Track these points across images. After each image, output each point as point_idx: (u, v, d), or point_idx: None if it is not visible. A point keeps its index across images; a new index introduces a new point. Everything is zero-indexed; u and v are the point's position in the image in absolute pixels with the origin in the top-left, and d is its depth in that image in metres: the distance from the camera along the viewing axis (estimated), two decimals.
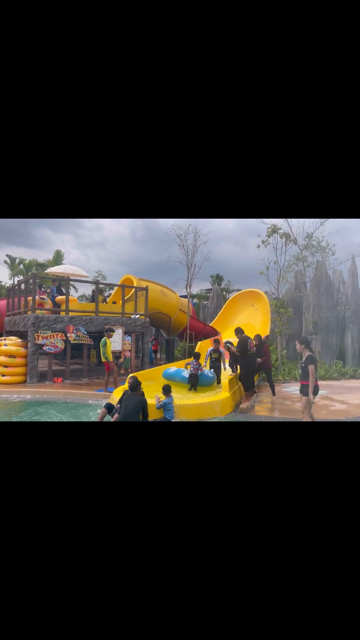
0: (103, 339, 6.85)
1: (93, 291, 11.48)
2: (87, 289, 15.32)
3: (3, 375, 7.79)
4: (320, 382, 8.74)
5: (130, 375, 5.84)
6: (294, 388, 8.35)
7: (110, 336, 6.95)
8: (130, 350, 9.70)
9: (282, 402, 6.71)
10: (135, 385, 4.76)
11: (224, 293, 20.44)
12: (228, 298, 16.40)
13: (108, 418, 4.98)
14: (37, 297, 9.25)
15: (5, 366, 7.85)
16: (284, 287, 11.36)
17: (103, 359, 6.90)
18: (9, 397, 6.91)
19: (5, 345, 8.06)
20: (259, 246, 10.42)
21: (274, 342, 11.40)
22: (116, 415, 4.74)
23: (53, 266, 15.45)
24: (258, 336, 7.14)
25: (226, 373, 7.63)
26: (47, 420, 5.35)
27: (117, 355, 9.48)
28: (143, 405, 4.48)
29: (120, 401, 4.84)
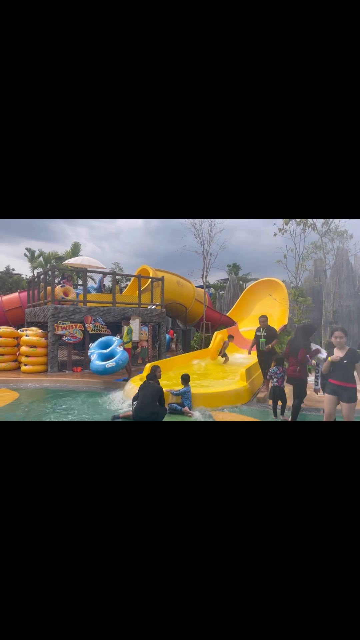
0: (128, 327, 7.01)
1: (103, 285, 11.71)
2: (105, 281, 15.49)
3: (25, 365, 8.05)
4: None
5: (153, 364, 5.90)
6: (311, 378, 8.20)
7: (127, 324, 7.12)
8: (147, 341, 9.79)
9: None
10: (154, 375, 4.81)
11: (241, 282, 20.16)
12: (245, 288, 16.18)
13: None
14: (61, 285, 9.48)
15: (27, 356, 8.10)
16: (302, 275, 11.08)
17: (127, 346, 7.02)
18: (32, 386, 7.16)
19: (26, 335, 8.31)
20: (275, 234, 10.18)
21: (292, 332, 11.20)
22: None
23: (71, 258, 15.69)
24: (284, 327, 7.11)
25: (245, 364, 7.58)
26: (67, 407, 5.51)
27: (134, 345, 9.60)
28: (160, 394, 4.54)
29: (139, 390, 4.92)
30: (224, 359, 9.16)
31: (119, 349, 6.85)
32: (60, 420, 4.83)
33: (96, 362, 6.71)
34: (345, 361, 3.53)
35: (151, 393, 4.51)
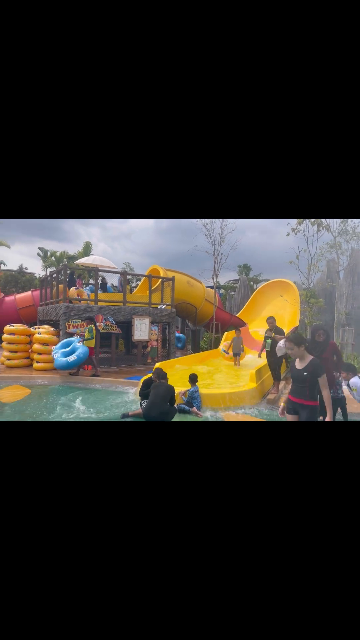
0: (89, 327, 7.45)
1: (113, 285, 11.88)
2: (115, 280, 15.65)
3: (37, 362, 8.18)
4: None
5: (156, 365, 5.93)
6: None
7: (89, 324, 7.53)
8: (157, 340, 9.82)
9: None
10: (164, 374, 4.83)
11: (252, 283, 20.02)
12: (256, 288, 16.05)
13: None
14: (75, 288, 9.66)
15: (39, 353, 8.23)
16: (315, 276, 10.90)
17: (89, 344, 7.44)
18: (42, 382, 7.27)
19: (39, 333, 8.44)
20: (288, 234, 10.07)
21: (303, 334, 11.05)
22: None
23: (82, 258, 15.88)
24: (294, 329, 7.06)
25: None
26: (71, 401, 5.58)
27: (143, 344, 9.64)
28: (171, 393, 4.55)
29: (144, 389, 4.95)
30: (235, 358, 8.61)
31: (79, 344, 7.30)
32: (71, 416, 4.89)
33: (59, 359, 7.12)
34: (305, 373, 2.95)
35: (162, 393, 4.52)
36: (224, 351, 9.04)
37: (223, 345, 9.28)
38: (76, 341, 7.51)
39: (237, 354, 8.67)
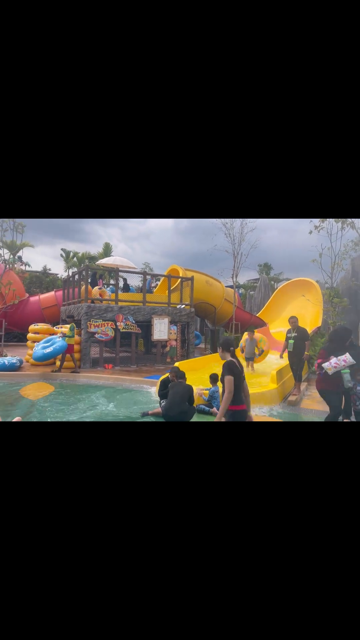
0: (71, 325, 7.86)
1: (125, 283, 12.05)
2: (135, 280, 15.86)
3: (59, 360, 8.42)
4: None
5: (173, 366, 5.95)
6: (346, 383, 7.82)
7: (70, 322, 7.97)
8: (176, 340, 9.85)
9: None
10: (182, 374, 4.85)
11: (272, 282, 19.68)
12: (276, 288, 15.77)
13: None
14: (98, 288, 9.91)
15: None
16: (338, 275, 10.57)
17: (70, 341, 7.79)
18: (66, 381, 7.47)
19: (61, 332, 8.68)
20: (311, 232, 9.81)
21: (326, 334, 10.75)
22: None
23: (103, 258, 16.18)
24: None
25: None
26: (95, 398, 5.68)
27: (163, 344, 9.71)
28: (190, 393, 4.56)
29: (162, 389, 4.97)
30: (249, 362, 7.48)
31: (58, 339, 7.76)
32: (90, 413, 5.00)
33: (37, 351, 7.67)
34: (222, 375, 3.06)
35: (181, 392, 4.53)
36: (242, 350, 8.16)
37: (243, 341, 8.15)
38: (56, 337, 7.94)
39: (249, 359, 7.45)
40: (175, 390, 4.58)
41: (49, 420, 4.67)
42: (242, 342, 8.06)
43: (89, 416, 4.90)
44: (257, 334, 7.89)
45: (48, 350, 7.56)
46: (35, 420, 4.65)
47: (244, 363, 7.06)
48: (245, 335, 7.86)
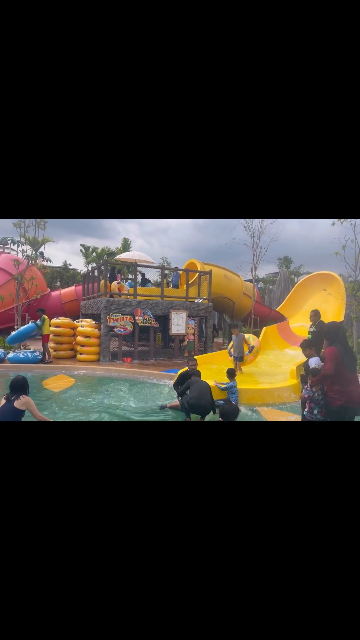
0: (42, 317, 8.28)
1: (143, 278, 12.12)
2: (154, 275, 15.95)
3: (80, 354, 8.63)
4: None
5: (193, 357, 5.95)
6: None
7: (42, 314, 8.32)
8: (193, 334, 9.85)
9: None
10: (197, 372, 4.87)
11: (292, 276, 19.24)
12: (297, 282, 15.41)
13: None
14: (117, 282, 10.05)
15: (82, 345, 8.67)
16: None
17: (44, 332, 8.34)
18: (85, 373, 7.66)
19: (82, 326, 8.88)
20: (334, 224, 9.47)
21: (349, 329, 10.43)
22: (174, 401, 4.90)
23: (122, 253, 16.35)
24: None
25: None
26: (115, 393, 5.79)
27: (180, 338, 9.74)
28: (210, 389, 4.62)
29: (180, 382, 5.00)
30: (236, 363, 6.52)
31: (30, 323, 8.63)
32: (110, 403, 5.11)
33: (9, 336, 8.64)
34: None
35: (207, 385, 4.60)
36: (229, 353, 6.95)
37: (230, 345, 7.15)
38: (30, 324, 8.67)
39: (238, 358, 6.50)
40: (200, 384, 4.61)
41: (68, 414, 4.81)
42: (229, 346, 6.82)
43: (108, 407, 5.01)
44: (245, 334, 6.77)
45: (13, 332, 8.61)
46: (55, 412, 4.80)
47: (231, 365, 6.30)
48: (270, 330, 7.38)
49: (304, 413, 3.42)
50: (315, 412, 3.29)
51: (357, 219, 9.25)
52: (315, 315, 5.97)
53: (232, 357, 6.70)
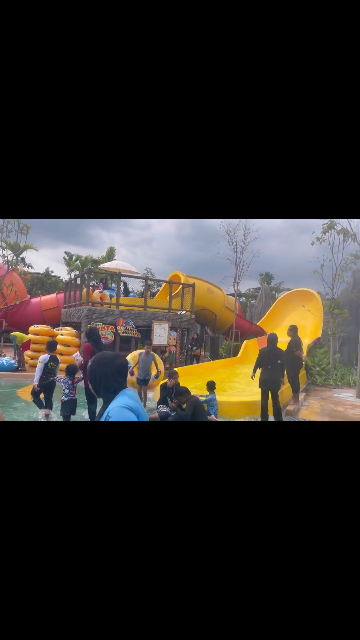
0: (12, 334, 8.39)
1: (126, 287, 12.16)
2: (137, 285, 15.94)
3: (59, 362, 8.42)
4: None
5: (172, 370, 5.92)
6: (346, 394, 7.80)
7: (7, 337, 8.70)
8: (175, 346, 9.85)
9: (333, 408, 6.31)
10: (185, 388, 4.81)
11: (273, 292, 19.73)
12: (277, 297, 15.81)
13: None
14: (99, 291, 9.94)
15: (61, 354, 8.46)
16: (339, 287, 10.62)
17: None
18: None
19: (61, 335, 8.69)
20: (313, 243, 9.88)
21: (326, 345, 10.75)
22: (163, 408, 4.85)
23: (106, 262, 16.26)
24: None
25: None
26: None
27: (162, 349, 9.70)
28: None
29: (166, 396, 4.95)
30: (140, 387, 5.65)
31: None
32: (87, 415, 4.97)
33: None
34: None
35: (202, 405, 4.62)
36: (131, 372, 5.69)
37: (131, 359, 5.79)
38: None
39: (142, 381, 5.53)
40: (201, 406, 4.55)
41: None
42: (129, 359, 5.76)
43: (85, 418, 4.86)
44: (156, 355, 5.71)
45: None
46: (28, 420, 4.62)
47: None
48: (135, 354, 5.86)
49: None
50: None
51: (335, 240, 9.69)
52: (292, 330, 6.14)
53: (134, 377, 5.50)
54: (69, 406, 4.39)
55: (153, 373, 5.53)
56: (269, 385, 5.04)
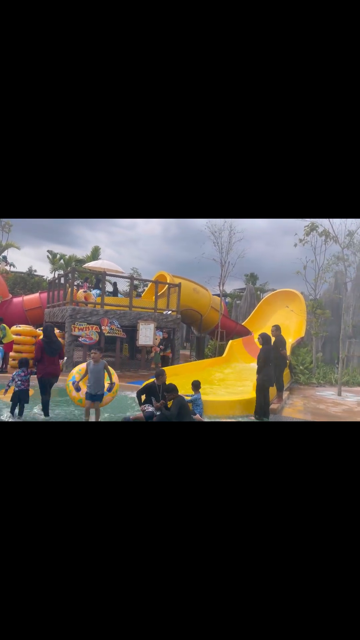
0: (1, 325, 8.01)
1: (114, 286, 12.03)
2: (122, 285, 15.82)
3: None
4: (358, 389, 8.25)
5: (160, 369, 5.90)
6: (328, 392, 7.99)
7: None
8: (160, 346, 9.82)
9: (316, 406, 6.45)
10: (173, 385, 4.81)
11: (258, 292, 20.01)
12: (262, 298, 16.03)
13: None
14: (83, 291, 9.77)
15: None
16: (322, 287, 10.88)
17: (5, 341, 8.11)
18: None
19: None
20: (296, 245, 10.06)
21: (309, 345, 10.98)
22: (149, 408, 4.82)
23: (91, 262, 16.06)
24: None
25: None
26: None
27: (147, 349, 9.66)
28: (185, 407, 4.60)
29: (144, 393, 4.92)
30: (91, 403, 4.53)
31: None
32: (69, 417, 4.89)
33: None
34: None
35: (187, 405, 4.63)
36: (73, 383, 4.74)
37: (76, 373, 4.88)
38: None
39: (95, 397, 4.48)
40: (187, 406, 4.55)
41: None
42: (75, 374, 4.86)
43: (66, 419, 4.78)
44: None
45: None
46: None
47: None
48: (82, 366, 4.97)
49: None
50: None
51: (317, 242, 9.91)
52: (276, 329, 6.24)
53: (79, 392, 4.60)
54: (21, 396, 4.81)
55: (106, 385, 4.51)
56: (271, 382, 5.40)
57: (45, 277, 22.52)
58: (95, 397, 4.55)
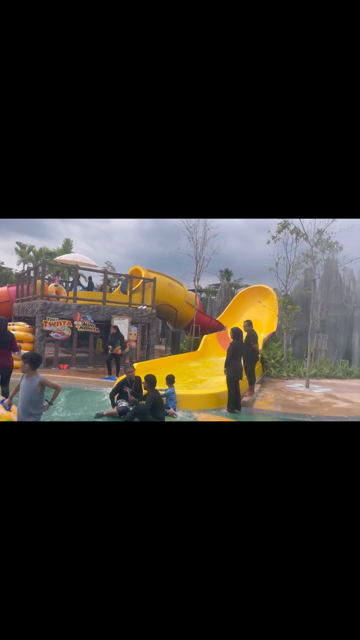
0: None
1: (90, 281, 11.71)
2: (96, 279, 15.47)
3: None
4: (325, 381, 8.63)
5: (135, 365, 5.88)
6: (297, 385, 8.33)
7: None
8: (135, 341, 9.76)
9: (285, 398, 6.70)
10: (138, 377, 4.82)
11: (232, 288, 20.34)
12: (236, 293, 16.32)
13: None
14: (55, 285, 9.42)
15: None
16: (292, 284, 11.25)
17: None
18: (17, 381, 7.04)
19: (13, 330, 8.18)
20: (268, 242, 10.31)
21: (280, 339, 11.35)
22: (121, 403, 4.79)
23: (62, 254, 15.55)
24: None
25: None
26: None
27: (123, 345, 9.56)
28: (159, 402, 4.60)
29: (122, 389, 4.91)
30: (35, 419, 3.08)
31: None
32: (44, 415, 4.76)
33: None
34: None
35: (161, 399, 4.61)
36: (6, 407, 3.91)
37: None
38: None
39: (34, 414, 3.19)
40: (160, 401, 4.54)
41: None
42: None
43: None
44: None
45: None
46: None
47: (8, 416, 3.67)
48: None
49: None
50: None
51: (289, 239, 10.21)
52: (248, 324, 6.39)
53: (12, 412, 3.70)
54: None
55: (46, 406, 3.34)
56: (239, 375, 5.55)
57: (14, 270, 21.57)
58: (34, 413, 3.23)
